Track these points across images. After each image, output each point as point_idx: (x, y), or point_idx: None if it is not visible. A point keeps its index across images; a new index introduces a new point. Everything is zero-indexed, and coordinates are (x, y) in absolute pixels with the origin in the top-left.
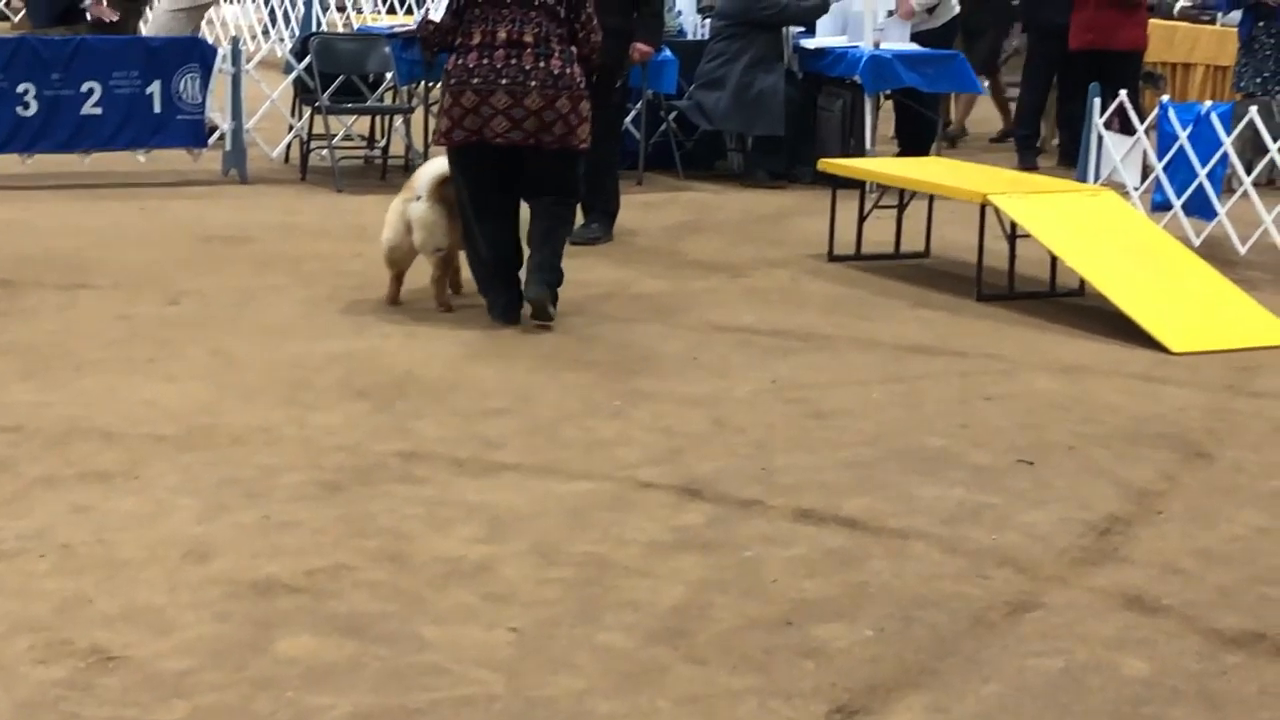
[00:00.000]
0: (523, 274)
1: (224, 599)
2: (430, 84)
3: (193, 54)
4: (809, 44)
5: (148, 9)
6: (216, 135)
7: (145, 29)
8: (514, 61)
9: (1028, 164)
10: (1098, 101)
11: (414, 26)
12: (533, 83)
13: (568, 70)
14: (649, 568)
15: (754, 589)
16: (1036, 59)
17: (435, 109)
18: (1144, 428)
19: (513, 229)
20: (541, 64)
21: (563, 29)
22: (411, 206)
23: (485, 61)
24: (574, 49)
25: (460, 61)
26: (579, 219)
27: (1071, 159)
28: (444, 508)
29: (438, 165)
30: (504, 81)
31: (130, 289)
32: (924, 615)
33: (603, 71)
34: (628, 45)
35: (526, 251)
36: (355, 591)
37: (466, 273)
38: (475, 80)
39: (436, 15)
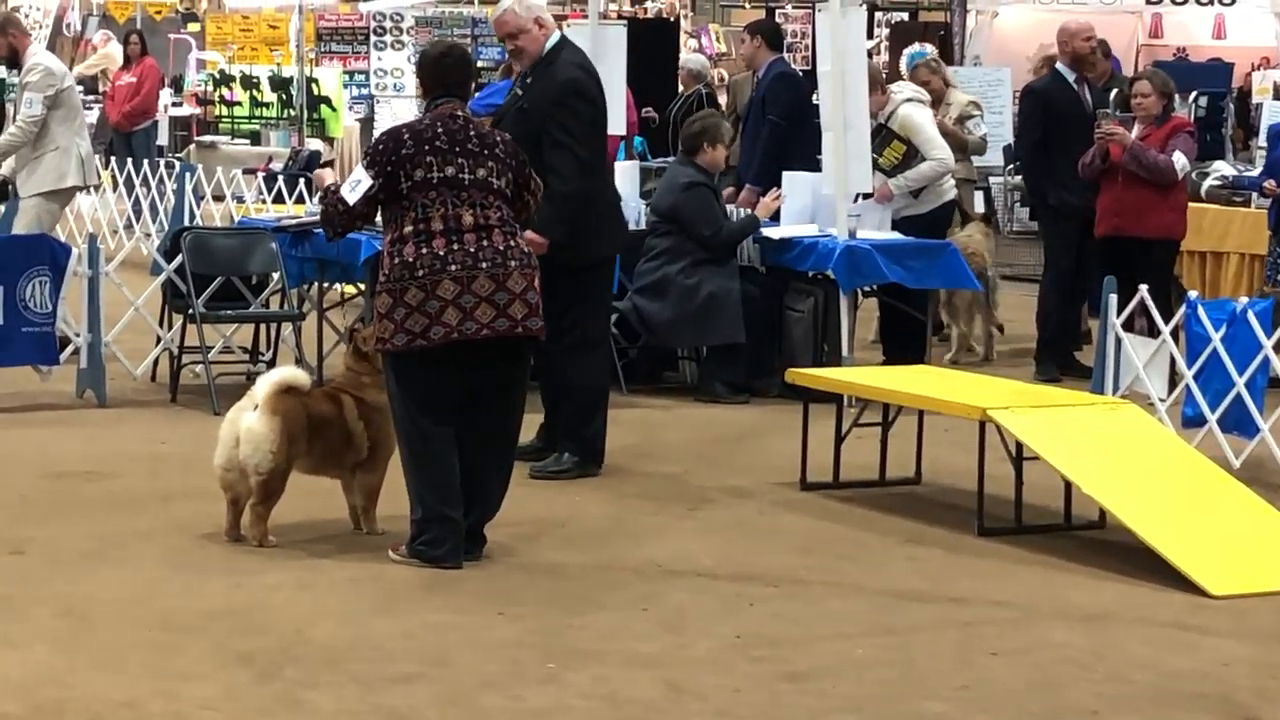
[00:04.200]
0: None
1: None
2: (327, 285)
3: (41, 254)
4: (772, 233)
5: None
6: (70, 350)
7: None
8: (485, 244)
9: (1047, 375)
10: (1114, 298)
11: (307, 218)
12: (512, 263)
13: (526, 248)
14: None
15: None
16: (1053, 246)
17: (332, 313)
18: (1180, 687)
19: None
20: (513, 243)
21: (510, 209)
22: (244, 416)
23: (456, 246)
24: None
25: (424, 250)
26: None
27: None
28: None
29: (282, 373)
30: (485, 265)
31: None
32: None
33: (578, 250)
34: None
35: None
36: None
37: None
38: (453, 267)
39: (351, 197)
